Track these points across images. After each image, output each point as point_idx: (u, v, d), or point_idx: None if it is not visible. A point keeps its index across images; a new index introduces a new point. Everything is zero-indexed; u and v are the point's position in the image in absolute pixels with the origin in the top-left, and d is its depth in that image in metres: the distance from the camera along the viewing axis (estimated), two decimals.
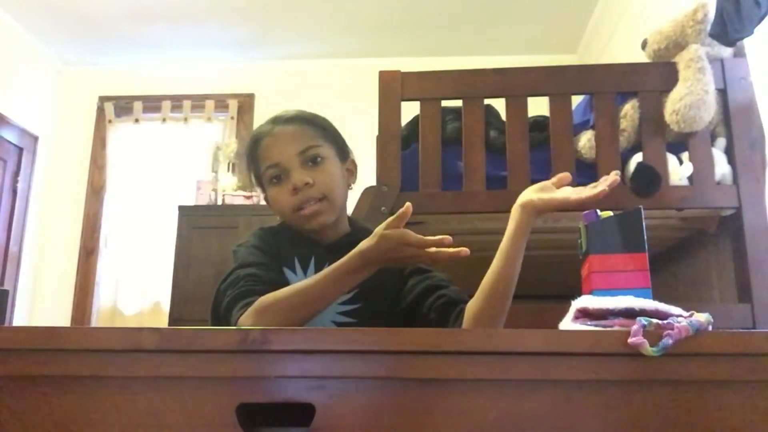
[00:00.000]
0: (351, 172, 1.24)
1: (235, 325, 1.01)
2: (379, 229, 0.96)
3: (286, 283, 1.14)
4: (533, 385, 0.65)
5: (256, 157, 1.20)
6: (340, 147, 1.22)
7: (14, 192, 3.97)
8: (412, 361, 0.65)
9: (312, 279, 1.03)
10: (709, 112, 1.69)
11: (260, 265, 1.12)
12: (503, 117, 1.87)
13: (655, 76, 1.82)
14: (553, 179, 1.09)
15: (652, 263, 0.89)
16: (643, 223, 0.89)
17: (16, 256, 3.94)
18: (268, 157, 1.17)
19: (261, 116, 4.87)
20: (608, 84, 1.85)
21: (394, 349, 0.66)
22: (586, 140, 1.80)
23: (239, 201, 3.65)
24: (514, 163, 1.78)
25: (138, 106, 4.26)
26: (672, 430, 0.63)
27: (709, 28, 1.77)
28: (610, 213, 0.91)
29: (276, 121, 1.20)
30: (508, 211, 1.88)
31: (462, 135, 1.82)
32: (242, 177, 4.06)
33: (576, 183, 1.76)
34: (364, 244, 0.97)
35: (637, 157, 1.77)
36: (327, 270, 1.01)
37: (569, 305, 0.80)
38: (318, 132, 1.19)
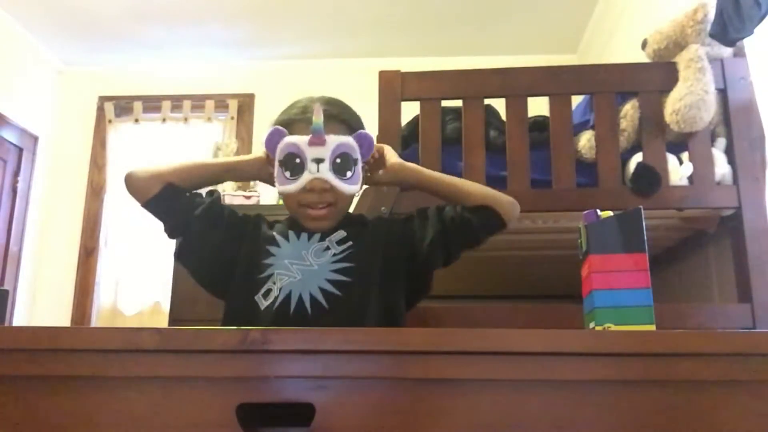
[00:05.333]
0: None
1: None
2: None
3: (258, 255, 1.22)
4: (533, 385, 0.65)
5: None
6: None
7: (14, 192, 3.97)
8: (412, 361, 0.65)
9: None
10: (709, 112, 1.68)
11: (230, 211, 1.28)
12: (503, 117, 1.86)
13: (655, 76, 1.82)
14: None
15: (652, 263, 0.89)
16: (643, 223, 0.89)
17: (16, 256, 3.94)
18: None
19: (261, 116, 4.83)
20: (608, 84, 1.84)
21: (394, 349, 0.66)
22: (586, 140, 1.80)
23: (239, 201, 3.64)
24: (514, 163, 1.78)
25: (138, 106, 4.25)
26: (672, 431, 0.63)
27: (709, 28, 1.77)
28: (610, 213, 0.91)
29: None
30: None
31: (462, 135, 1.81)
32: None
33: (576, 183, 1.78)
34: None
35: (637, 157, 1.77)
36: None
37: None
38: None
